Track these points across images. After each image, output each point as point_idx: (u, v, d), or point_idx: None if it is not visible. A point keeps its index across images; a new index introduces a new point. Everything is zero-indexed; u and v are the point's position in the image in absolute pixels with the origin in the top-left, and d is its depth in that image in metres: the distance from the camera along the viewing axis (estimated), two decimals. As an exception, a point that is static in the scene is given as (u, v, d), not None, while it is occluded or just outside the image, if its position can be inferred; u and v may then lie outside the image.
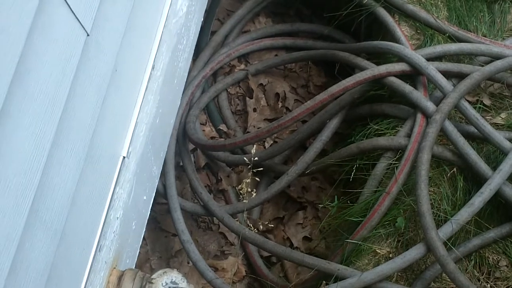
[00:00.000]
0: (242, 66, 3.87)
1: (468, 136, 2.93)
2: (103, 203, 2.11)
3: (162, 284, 2.17)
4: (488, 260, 2.83)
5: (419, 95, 2.93)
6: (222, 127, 3.71)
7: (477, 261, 2.83)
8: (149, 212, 2.75)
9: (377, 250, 2.87)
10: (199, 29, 3.13)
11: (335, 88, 3.06)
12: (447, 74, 2.99)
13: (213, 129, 3.74)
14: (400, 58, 3.02)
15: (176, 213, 3.25)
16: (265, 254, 3.45)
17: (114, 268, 2.24)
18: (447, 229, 2.73)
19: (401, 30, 3.23)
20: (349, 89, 3.04)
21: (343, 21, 3.44)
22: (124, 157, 2.21)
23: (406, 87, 2.96)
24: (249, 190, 2.95)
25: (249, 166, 2.99)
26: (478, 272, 2.82)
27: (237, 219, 3.32)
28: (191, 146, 3.57)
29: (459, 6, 3.33)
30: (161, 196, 3.37)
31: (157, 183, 2.88)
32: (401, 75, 3.02)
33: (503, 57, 3.00)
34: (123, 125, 2.23)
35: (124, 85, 2.15)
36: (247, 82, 3.84)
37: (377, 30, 3.49)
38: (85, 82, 1.75)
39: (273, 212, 3.64)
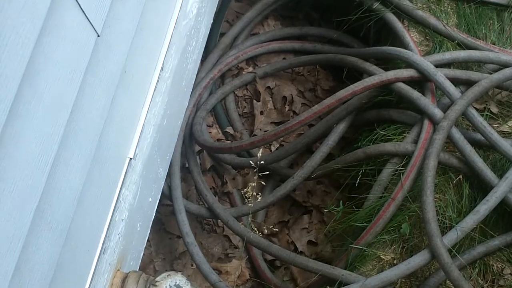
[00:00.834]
0: (250, 69, 3.87)
1: (474, 143, 2.92)
2: (109, 205, 2.11)
3: (166, 287, 2.17)
4: (492, 268, 2.83)
5: (426, 102, 2.92)
6: (229, 129, 3.71)
7: (482, 268, 2.82)
8: (154, 214, 2.75)
9: (381, 256, 2.86)
10: (209, 31, 3.13)
11: (342, 93, 3.05)
12: (455, 81, 2.98)
13: (220, 131, 3.73)
14: (409, 64, 3.01)
15: (181, 215, 3.25)
16: (269, 257, 3.44)
17: (118, 270, 2.24)
18: (452, 236, 2.72)
19: (410, 36, 3.22)
20: (357, 94, 3.04)
21: (352, 25, 3.43)
22: (130, 159, 2.21)
23: (414, 93, 2.96)
24: (255, 193, 2.95)
25: (255, 170, 2.99)
26: (482, 280, 2.81)
27: (242, 222, 3.32)
28: (197, 148, 3.56)
29: (468, 13, 3.32)
30: (166, 198, 3.36)
31: (163, 185, 2.87)
32: (409, 81, 3.01)
33: (511, 65, 2.99)
34: (130, 126, 2.23)
35: (132, 86, 2.15)
36: (254, 85, 3.83)
37: (386, 35, 3.49)
38: (94, 83, 1.75)
39: (278, 216, 3.64)
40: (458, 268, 2.66)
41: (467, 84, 2.99)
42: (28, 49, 1.33)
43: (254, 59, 3.91)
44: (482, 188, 2.87)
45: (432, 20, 3.25)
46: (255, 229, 3.12)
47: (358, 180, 3.02)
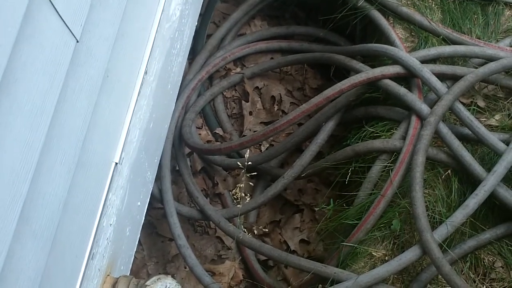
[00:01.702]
0: (238, 70, 3.87)
1: (462, 138, 2.93)
2: (96, 210, 2.10)
3: (156, 290, 2.17)
4: (483, 262, 2.83)
5: (413, 98, 2.93)
6: (218, 130, 3.71)
7: (473, 262, 2.83)
8: (143, 218, 2.74)
9: (373, 253, 2.87)
10: (194, 33, 3.13)
11: (330, 91, 3.06)
12: (441, 76, 2.99)
13: (209, 133, 3.74)
14: (395, 61, 3.02)
15: (173, 218, 3.25)
16: (262, 258, 3.44)
17: (108, 275, 2.23)
18: (442, 231, 2.73)
19: (395, 32, 3.23)
20: (344, 91, 3.04)
21: (338, 23, 3.43)
22: (116, 163, 2.20)
23: (401, 90, 2.96)
24: (244, 194, 2.95)
25: (243, 170, 2.99)
26: (473, 274, 2.82)
27: (234, 223, 3.32)
28: (187, 150, 3.56)
29: (453, 9, 3.33)
30: (157, 201, 3.36)
31: (151, 188, 2.87)
32: (396, 78, 3.02)
33: (497, 59, 3.00)
34: (115, 131, 2.22)
35: (116, 90, 2.15)
36: (243, 85, 3.84)
37: (372, 32, 3.50)
38: (75, 89, 1.74)
39: (269, 216, 3.64)
40: (449, 262, 2.66)
41: (453, 79, 3.00)
42: (4, 57, 1.32)
43: (242, 60, 3.91)
44: (471, 182, 2.87)
45: (417, 16, 3.26)
46: (245, 230, 3.12)
47: (348, 178, 3.02)
